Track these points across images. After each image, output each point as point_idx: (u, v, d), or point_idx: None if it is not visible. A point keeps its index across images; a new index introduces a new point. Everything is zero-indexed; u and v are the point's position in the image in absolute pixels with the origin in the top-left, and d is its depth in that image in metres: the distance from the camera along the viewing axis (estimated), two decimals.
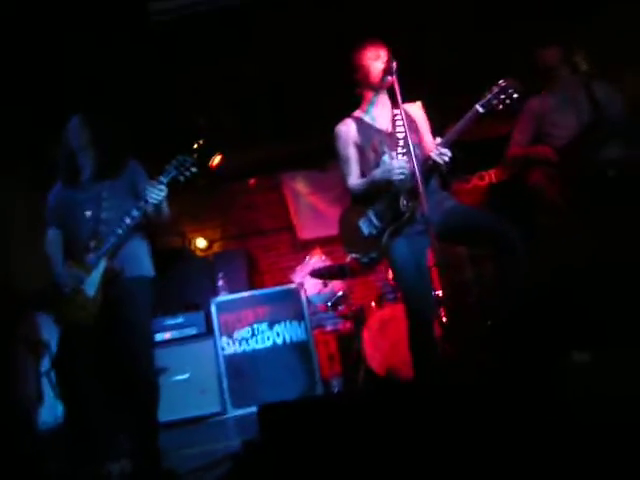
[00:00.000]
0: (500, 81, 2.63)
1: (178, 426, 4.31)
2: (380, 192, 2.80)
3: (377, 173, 2.79)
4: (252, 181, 6.61)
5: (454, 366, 3.48)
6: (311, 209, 6.32)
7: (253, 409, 4.46)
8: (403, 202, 2.72)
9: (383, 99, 2.96)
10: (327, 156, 3.18)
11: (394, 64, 2.72)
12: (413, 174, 2.64)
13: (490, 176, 6.37)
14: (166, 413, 4.14)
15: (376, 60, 2.86)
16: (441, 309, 4.36)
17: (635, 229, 3.04)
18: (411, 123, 2.89)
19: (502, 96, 2.60)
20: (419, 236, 2.71)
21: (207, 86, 5.03)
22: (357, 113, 3.02)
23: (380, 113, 2.95)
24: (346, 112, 3.11)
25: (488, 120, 5.31)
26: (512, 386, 1.89)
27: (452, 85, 5.10)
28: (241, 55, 4.66)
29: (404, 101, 2.77)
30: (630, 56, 4.48)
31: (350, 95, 3.11)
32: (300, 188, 6.41)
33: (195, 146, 5.52)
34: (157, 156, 5.19)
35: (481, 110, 2.62)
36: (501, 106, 2.61)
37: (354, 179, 2.93)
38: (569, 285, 3.38)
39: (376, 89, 2.93)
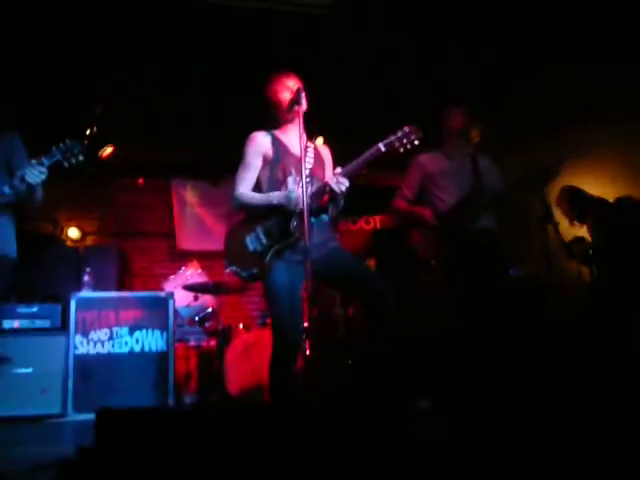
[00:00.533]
0: (405, 127, 2.80)
1: (10, 423, 3.97)
2: (272, 211, 2.82)
3: (276, 196, 2.82)
4: (140, 180, 6.40)
5: (310, 398, 3.52)
6: (196, 220, 6.22)
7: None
8: (293, 224, 2.76)
9: (295, 127, 2.95)
10: (222, 170, 3.16)
11: (302, 94, 2.80)
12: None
13: (376, 222, 6.61)
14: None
15: (284, 91, 2.93)
16: (306, 341, 4.40)
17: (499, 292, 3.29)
18: (319, 160, 3.04)
19: (404, 140, 2.78)
20: (298, 265, 2.74)
21: (112, 76, 4.85)
22: (275, 131, 3.05)
23: (293, 139, 2.97)
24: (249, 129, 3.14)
25: (380, 169, 5.60)
26: (359, 423, 1.94)
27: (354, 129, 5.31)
28: (153, 51, 4.56)
29: (310, 134, 2.93)
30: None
31: (255, 114, 3.14)
32: (189, 197, 6.30)
33: (87, 132, 5.36)
34: (46, 134, 4.99)
35: (383, 148, 2.77)
36: (402, 149, 2.79)
37: (246, 188, 2.93)
38: (427, 338, 3.59)
39: (287, 117, 2.98)
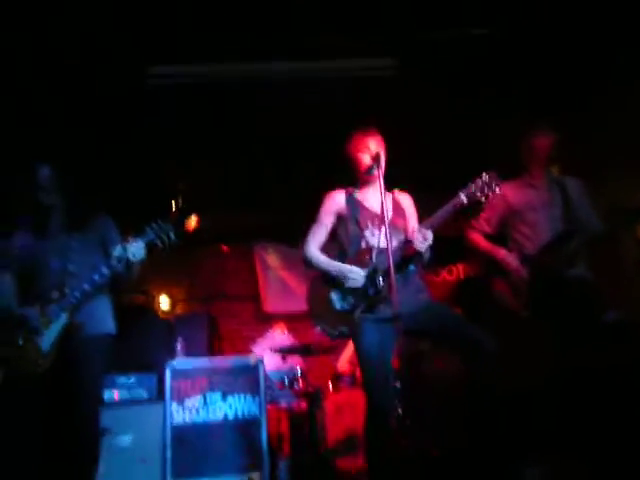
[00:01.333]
0: (483, 174, 2.76)
1: None
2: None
3: (337, 268, 2.85)
4: (225, 247, 6.61)
5: (408, 461, 3.43)
6: (280, 283, 6.32)
7: None
8: (379, 280, 2.73)
9: (375, 184, 2.98)
10: (301, 232, 3.23)
11: (381, 155, 2.80)
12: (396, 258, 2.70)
13: (459, 271, 6.49)
14: (102, 478, 4.00)
15: (364, 152, 2.96)
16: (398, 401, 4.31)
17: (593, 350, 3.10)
18: (399, 210, 3.01)
19: (485, 189, 2.73)
20: (388, 323, 2.70)
21: (191, 148, 5.11)
22: (350, 189, 3.09)
23: (371, 195, 3.01)
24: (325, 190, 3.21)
25: (460, 217, 5.54)
26: None
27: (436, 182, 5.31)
28: (232, 121, 4.77)
29: (394, 189, 3.01)
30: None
31: (335, 179, 3.21)
32: (270, 261, 6.43)
33: (174, 207, 5.63)
34: (134, 215, 5.28)
35: (465, 200, 2.73)
36: (483, 198, 2.74)
37: (315, 246, 2.98)
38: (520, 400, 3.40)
39: (364, 178, 3.02)
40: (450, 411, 4.64)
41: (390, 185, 3.04)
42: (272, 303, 6.27)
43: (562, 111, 4.48)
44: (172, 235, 2.84)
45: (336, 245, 3.06)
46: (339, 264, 2.88)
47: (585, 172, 4.39)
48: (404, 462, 3.52)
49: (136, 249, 2.74)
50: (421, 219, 2.96)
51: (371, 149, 2.92)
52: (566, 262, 3.25)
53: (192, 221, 5.90)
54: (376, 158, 2.81)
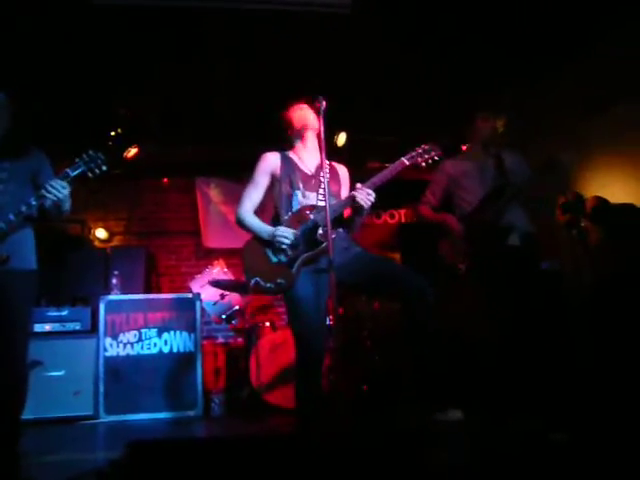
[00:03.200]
0: (424, 144, 2.94)
1: (44, 425, 4.08)
2: (296, 220, 2.86)
3: (266, 231, 2.88)
4: (165, 180, 6.44)
5: (336, 401, 3.53)
6: (221, 218, 6.23)
7: (126, 417, 4.31)
8: (319, 232, 2.77)
9: (312, 147, 3.08)
10: (246, 167, 3.19)
11: (323, 103, 2.79)
12: (332, 215, 2.73)
13: (400, 215, 6.56)
14: (33, 410, 3.99)
15: (300, 114, 3.07)
16: (333, 341, 4.40)
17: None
18: (335, 176, 3.09)
19: (426, 156, 2.91)
20: (323, 273, 2.74)
21: (135, 77, 4.87)
22: (288, 152, 3.12)
23: (308, 157, 3.07)
24: (273, 134, 3.18)
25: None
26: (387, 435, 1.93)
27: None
28: (177, 55, 4.56)
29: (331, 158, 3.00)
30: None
31: (277, 112, 3.18)
32: (213, 195, 6.31)
33: (112, 134, 5.41)
34: (72, 137, 5.04)
35: (407, 162, 2.89)
36: (424, 164, 2.92)
37: (250, 206, 3.01)
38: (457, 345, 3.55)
39: (301, 136, 3.07)
40: (384, 349, 4.81)
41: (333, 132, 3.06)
42: (213, 238, 6.19)
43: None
44: (104, 167, 2.73)
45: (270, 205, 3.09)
46: (268, 227, 2.90)
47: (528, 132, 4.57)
48: (334, 398, 3.65)
49: (57, 188, 2.63)
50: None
51: (304, 114, 3.05)
52: (498, 214, 3.45)
53: (131, 151, 5.70)
54: (319, 106, 2.82)
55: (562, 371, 3.27)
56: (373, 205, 2.82)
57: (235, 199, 3.10)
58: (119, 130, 5.44)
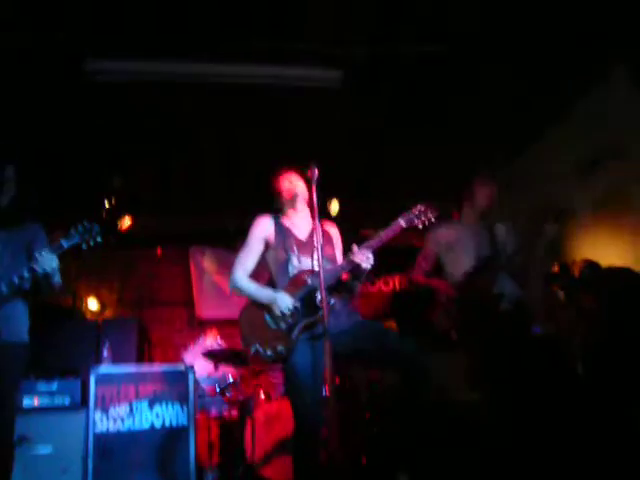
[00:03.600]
0: (419, 205, 2.94)
1: None
2: (295, 287, 2.84)
3: (265, 294, 2.87)
4: (159, 250, 6.44)
5: (335, 473, 3.41)
6: (214, 288, 6.21)
7: None
8: (319, 298, 2.73)
9: (304, 213, 3.13)
10: (238, 236, 3.21)
11: (315, 171, 2.81)
12: (331, 279, 2.77)
13: (394, 282, 6.56)
14: None
15: (289, 185, 3.12)
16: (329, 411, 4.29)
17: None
18: (327, 238, 3.11)
19: (423, 217, 2.90)
20: (320, 339, 2.69)
21: (128, 150, 4.96)
22: (280, 216, 3.16)
23: (300, 223, 3.11)
24: (263, 202, 3.22)
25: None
26: None
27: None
28: (172, 125, 4.67)
29: (321, 219, 2.99)
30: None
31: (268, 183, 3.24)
32: (206, 264, 6.32)
33: (106, 205, 5.45)
34: (66, 208, 5.08)
35: (404, 224, 2.88)
36: (421, 225, 2.91)
37: (244, 271, 3.00)
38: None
39: (291, 208, 3.12)
40: (382, 422, 4.69)
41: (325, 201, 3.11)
42: (206, 308, 6.14)
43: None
44: (98, 238, 2.74)
45: (265, 270, 3.10)
46: (267, 291, 2.89)
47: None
48: (333, 470, 3.52)
49: (44, 262, 2.63)
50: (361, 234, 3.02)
51: (294, 182, 3.10)
52: (489, 283, 3.47)
53: (125, 221, 5.74)
54: (311, 175, 2.83)
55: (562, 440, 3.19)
56: (372, 269, 2.81)
57: (229, 268, 3.10)
58: (113, 201, 5.50)
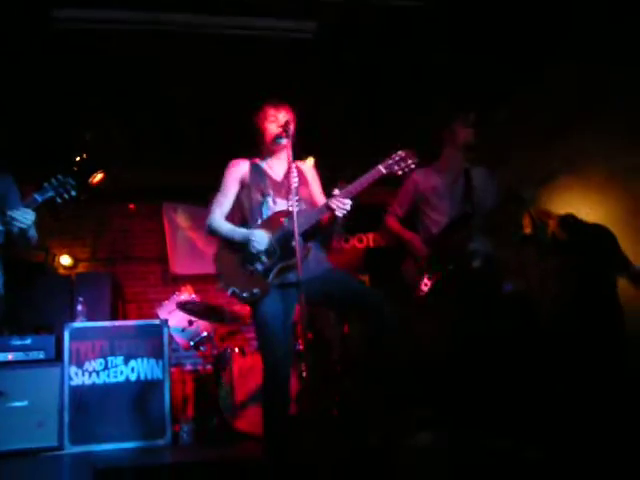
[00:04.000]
0: (400, 152, 2.87)
1: (6, 457, 3.93)
2: (272, 229, 2.84)
3: (240, 233, 2.87)
4: (132, 205, 6.38)
5: (306, 424, 3.50)
6: (188, 243, 6.20)
7: (92, 447, 4.19)
8: (292, 244, 2.69)
9: (280, 153, 3.05)
10: (212, 192, 3.18)
11: (291, 126, 2.81)
12: (306, 224, 2.76)
13: (368, 239, 6.61)
14: None
15: (272, 123, 2.99)
16: (302, 364, 4.38)
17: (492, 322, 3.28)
18: (303, 180, 3.05)
19: (402, 164, 2.84)
20: (291, 287, 2.75)
21: (101, 101, 4.85)
22: (255, 159, 3.10)
23: (276, 164, 3.06)
24: (238, 152, 3.18)
25: (372, 186, 5.64)
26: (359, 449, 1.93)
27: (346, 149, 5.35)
28: (143, 79, 4.57)
29: (299, 158, 3.04)
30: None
31: (247, 141, 3.18)
32: (180, 221, 6.28)
33: (77, 159, 5.36)
34: (37, 163, 4.99)
35: (384, 171, 2.83)
36: (400, 172, 2.85)
37: (220, 214, 2.99)
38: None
39: (271, 148, 3.05)
40: (353, 372, 4.80)
41: (300, 157, 3.08)
42: (180, 264, 6.14)
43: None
44: (73, 192, 2.71)
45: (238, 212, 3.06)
46: (242, 229, 2.89)
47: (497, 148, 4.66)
48: (303, 422, 3.62)
49: (21, 217, 2.59)
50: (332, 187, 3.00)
51: (279, 119, 2.96)
52: (462, 241, 3.45)
53: (97, 176, 5.65)
54: (285, 127, 2.83)
55: (532, 389, 3.32)
56: (349, 216, 2.80)
57: (202, 225, 3.10)
58: (84, 155, 5.40)
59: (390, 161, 2.84)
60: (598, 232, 4.26)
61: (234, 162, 3.07)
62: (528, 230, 4.81)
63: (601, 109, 4.37)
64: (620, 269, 4.09)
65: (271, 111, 3.00)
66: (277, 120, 2.96)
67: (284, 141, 2.87)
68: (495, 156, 4.34)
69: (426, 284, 3.42)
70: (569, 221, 4.46)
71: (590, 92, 4.36)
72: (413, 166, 2.86)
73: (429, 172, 3.70)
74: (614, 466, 2.23)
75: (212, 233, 2.99)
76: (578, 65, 4.36)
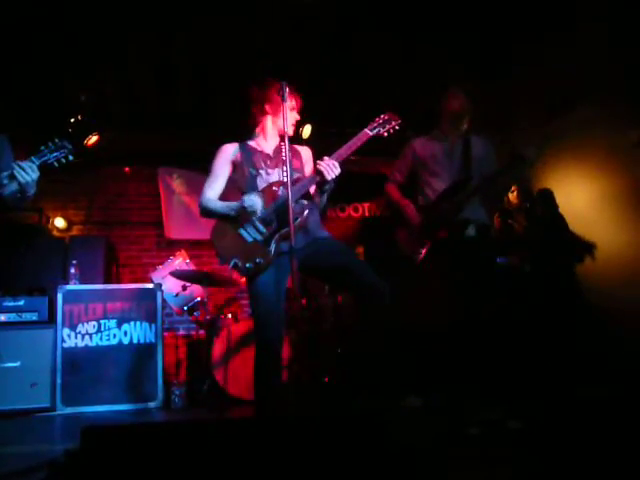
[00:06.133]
0: (383, 115, 2.97)
1: (0, 417, 3.98)
2: (269, 201, 2.83)
3: (234, 206, 2.85)
4: (127, 169, 6.32)
5: (297, 393, 3.55)
6: (184, 209, 6.17)
7: (84, 409, 4.24)
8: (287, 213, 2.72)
9: (273, 132, 3.06)
10: (209, 158, 3.15)
11: (286, 90, 2.78)
12: (299, 192, 2.78)
13: (364, 209, 6.60)
14: None
15: (265, 102, 3.00)
16: (295, 332, 4.40)
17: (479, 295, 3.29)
18: (296, 154, 3.05)
19: (387, 126, 2.93)
20: (285, 256, 2.73)
21: (96, 61, 4.76)
22: (246, 141, 3.09)
23: (264, 142, 3.06)
24: (238, 121, 3.16)
25: (368, 155, 5.60)
26: (346, 421, 1.94)
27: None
28: (139, 39, 4.48)
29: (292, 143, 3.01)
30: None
31: (245, 108, 3.14)
32: (175, 185, 6.23)
33: (72, 120, 5.29)
34: (30, 124, 4.91)
35: (370, 133, 2.89)
36: (386, 134, 2.93)
37: (211, 196, 2.97)
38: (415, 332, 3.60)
39: (275, 115, 3.02)
40: (346, 342, 4.84)
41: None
42: (175, 229, 6.11)
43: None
44: (70, 156, 2.67)
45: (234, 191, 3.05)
46: (235, 202, 2.87)
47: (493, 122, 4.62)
48: (296, 388, 3.65)
49: (27, 171, 2.55)
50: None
51: (271, 95, 2.96)
52: (456, 209, 3.43)
53: (92, 138, 5.58)
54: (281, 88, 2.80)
55: (520, 359, 3.36)
56: (337, 179, 2.79)
57: (198, 190, 3.07)
58: (79, 117, 5.33)
59: (375, 124, 2.92)
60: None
61: (223, 147, 3.05)
62: (516, 202, 4.87)
63: (603, 84, 4.33)
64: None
65: (268, 85, 2.99)
66: (273, 95, 2.93)
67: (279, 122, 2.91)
68: (494, 126, 4.32)
69: (419, 252, 3.43)
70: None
71: (592, 66, 4.31)
72: (397, 127, 2.94)
73: (428, 139, 3.73)
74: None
75: (207, 214, 2.97)
76: (579, 36, 4.29)
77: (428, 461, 1.90)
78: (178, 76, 5.07)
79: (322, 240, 2.91)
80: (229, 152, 3.02)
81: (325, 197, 2.94)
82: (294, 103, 3.01)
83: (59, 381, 4.26)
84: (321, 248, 2.87)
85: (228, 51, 4.54)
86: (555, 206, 4.70)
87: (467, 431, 2.47)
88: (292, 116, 2.99)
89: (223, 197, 3.00)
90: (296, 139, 3.25)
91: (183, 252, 5.19)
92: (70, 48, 4.53)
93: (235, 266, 2.76)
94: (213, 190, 2.98)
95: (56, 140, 2.68)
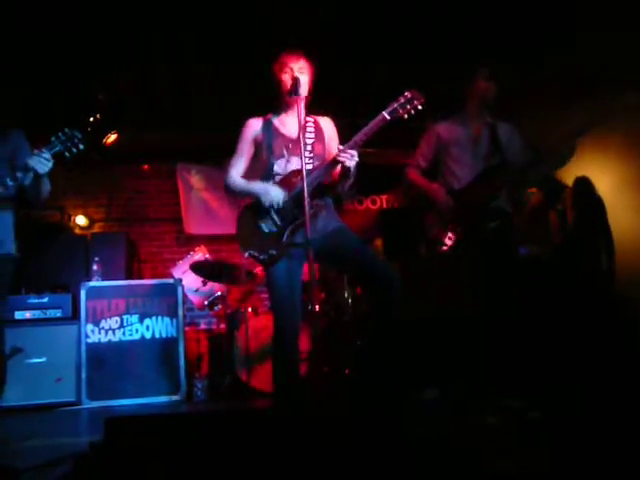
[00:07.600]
0: (406, 92, 2.75)
1: (26, 412, 4.07)
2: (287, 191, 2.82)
3: (256, 187, 2.86)
4: (146, 166, 6.38)
5: (315, 385, 3.55)
6: (202, 204, 6.21)
7: (109, 403, 4.31)
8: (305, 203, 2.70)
9: (295, 107, 2.91)
10: (227, 153, 3.16)
11: (300, 80, 2.76)
12: (315, 181, 2.75)
13: (382, 201, 6.58)
14: (14, 397, 3.98)
15: (287, 74, 2.87)
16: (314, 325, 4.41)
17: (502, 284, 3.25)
18: (320, 135, 2.98)
19: (407, 106, 2.72)
20: (300, 248, 2.73)
21: (114, 61, 4.80)
22: (269, 115, 3.05)
23: (289, 120, 2.99)
24: (254, 113, 3.13)
25: (385, 147, 5.55)
26: (363, 415, 1.95)
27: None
28: (156, 39, 4.51)
29: (316, 113, 2.98)
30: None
31: (260, 98, 3.13)
32: (194, 181, 6.28)
33: (91, 119, 5.35)
34: (49, 124, 4.97)
35: (388, 117, 2.71)
36: (406, 115, 2.73)
37: (236, 174, 2.96)
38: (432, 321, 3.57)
39: (286, 100, 2.94)
40: (365, 335, 4.84)
41: (314, 109, 3.00)
42: (194, 225, 6.16)
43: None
44: (81, 145, 2.69)
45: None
46: (259, 182, 2.88)
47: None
48: (316, 379, 3.66)
49: (41, 160, 2.59)
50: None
51: (295, 70, 2.84)
52: (491, 197, 3.36)
53: (111, 137, 5.65)
54: (295, 82, 2.77)
55: (539, 351, 3.33)
56: (358, 165, 2.75)
57: (217, 186, 3.10)
58: (98, 116, 5.39)
59: (395, 105, 2.73)
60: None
61: (248, 122, 3.02)
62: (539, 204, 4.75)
63: (621, 69, 4.24)
64: None
65: (287, 61, 2.88)
66: (292, 71, 2.84)
67: (295, 96, 2.76)
68: (514, 114, 4.24)
69: (450, 237, 3.35)
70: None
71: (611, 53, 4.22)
72: (419, 107, 2.72)
73: (452, 123, 3.61)
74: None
75: (229, 192, 2.98)
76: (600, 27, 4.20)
77: (460, 453, 1.90)
78: (194, 73, 5.09)
79: (335, 230, 2.89)
80: (251, 130, 2.99)
81: (346, 183, 2.87)
82: (301, 64, 2.88)
83: (84, 376, 4.34)
84: (337, 237, 2.86)
85: (242, 41, 4.52)
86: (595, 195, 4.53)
87: (488, 421, 2.46)
88: (303, 79, 2.84)
89: (251, 173, 3.00)
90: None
91: (203, 247, 5.24)
92: (88, 48, 4.58)
93: (250, 256, 2.80)
94: (236, 169, 2.98)
95: (66, 130, 2.71)
